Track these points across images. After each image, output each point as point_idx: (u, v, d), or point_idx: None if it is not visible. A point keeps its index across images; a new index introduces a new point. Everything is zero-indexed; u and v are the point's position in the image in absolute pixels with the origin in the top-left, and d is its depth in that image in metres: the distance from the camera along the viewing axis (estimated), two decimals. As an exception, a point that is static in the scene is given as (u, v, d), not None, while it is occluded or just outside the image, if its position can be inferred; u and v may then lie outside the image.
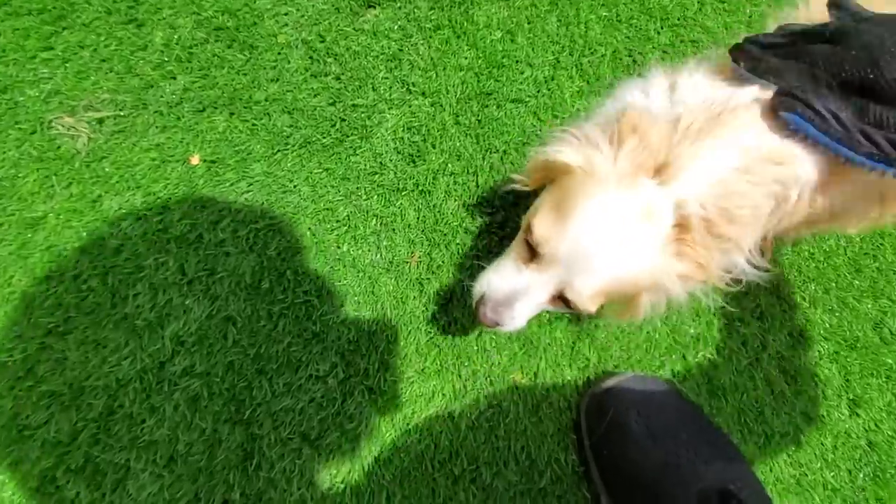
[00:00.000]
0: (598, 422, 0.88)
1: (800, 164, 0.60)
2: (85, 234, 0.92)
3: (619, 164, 0.61)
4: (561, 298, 0.68)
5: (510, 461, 0.88)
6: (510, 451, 0.89)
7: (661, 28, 1.19)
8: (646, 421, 0.85)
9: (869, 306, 1.07)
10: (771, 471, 0.95)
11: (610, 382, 0.90)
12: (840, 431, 0.99)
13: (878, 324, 1.06)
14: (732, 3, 1.24)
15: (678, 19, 1.20)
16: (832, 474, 0.96)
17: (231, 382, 0.86)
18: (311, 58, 1.05)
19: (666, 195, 0.61)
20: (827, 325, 1.05)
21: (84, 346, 0.88)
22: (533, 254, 0.68)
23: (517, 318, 0.71)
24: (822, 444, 0.98)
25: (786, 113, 0.58)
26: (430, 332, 0.94)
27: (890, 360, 1.04)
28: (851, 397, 1.01)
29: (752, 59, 0.63)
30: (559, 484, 0.88)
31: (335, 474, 0.84)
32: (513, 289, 0.69)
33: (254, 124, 1.00)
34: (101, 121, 0.97)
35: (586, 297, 0.65)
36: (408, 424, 0.88)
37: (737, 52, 0.66)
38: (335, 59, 1.06)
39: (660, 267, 0.62)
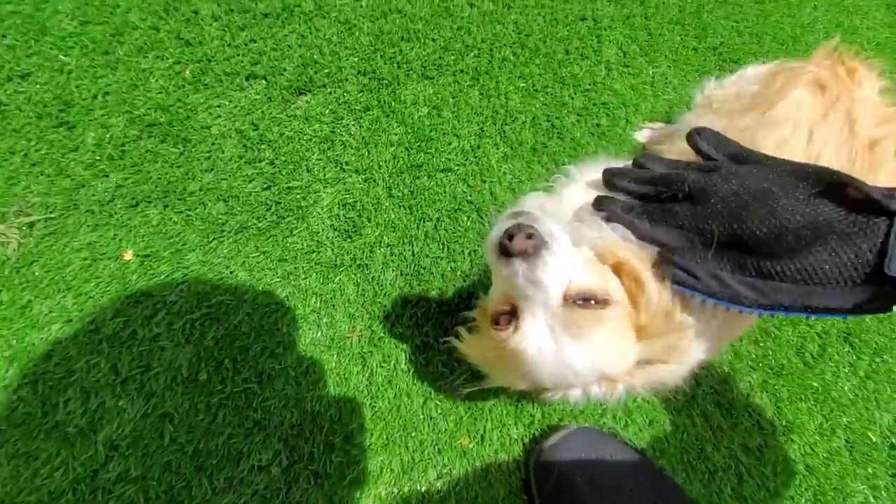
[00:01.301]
0: (545, 480, 0.89)
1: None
2: (14, 341, 0.90)
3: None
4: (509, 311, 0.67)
5: (464, 531, 0.88)
6: (463, 520, 0.89)
7: (574, 94, 1.30)
8: (590, 476, 0.86)
9: (789, 333, 1.15)
10: (718, 508, 0.98)
11: (553, 439, 0.92)
12: (778, 459, 1.03)
13: (800, 349, 1.14)
14: (636, 66, 1.38)
15: (589, 85, 1.32)
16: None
17: (168, 484, 0.84)
18: (244, 146, 1.09)
19: (626, 381, 0.68)
20: (753, 356, 1.11)
21: (15, 459, 0.84)
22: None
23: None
24: (762, 473, 1.02)
25: (673, 285, 0.60)
26: (375, 406, 0.95)
27: (815, 384, 1.11)
28: (784, 423, 1.07)
29: (625, 223, 0.65)
30: (514, 549, 0.88)
31: (283, 570, 0.82)
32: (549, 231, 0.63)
33: (188, 215, 1.02)
34: (31, 224, 0.97)
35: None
36: (356, 506, 0.87)
37: (603, 210, 0.66)
38: (269, 145, 1.11)
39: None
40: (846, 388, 1.11)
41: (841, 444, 1.07)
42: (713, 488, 0.99)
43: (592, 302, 0.63)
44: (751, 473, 1.01)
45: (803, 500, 1.01)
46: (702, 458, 1.01)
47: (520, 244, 0.61)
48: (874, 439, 1.09)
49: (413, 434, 0.94)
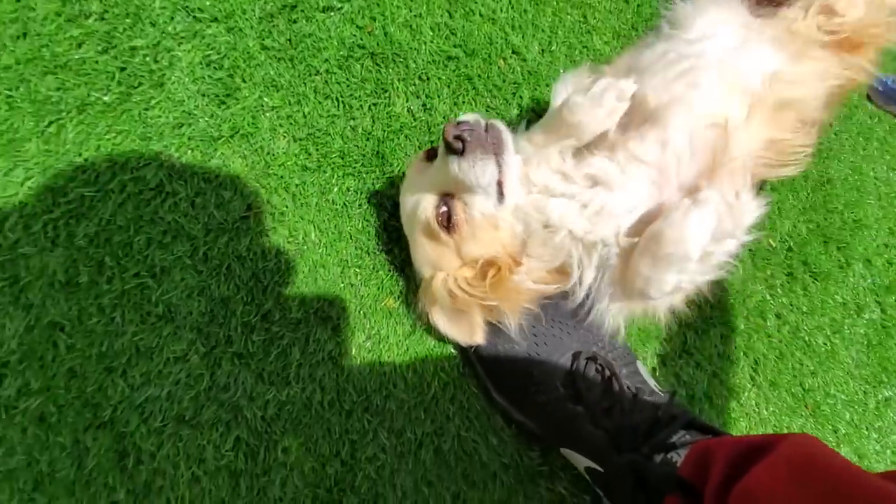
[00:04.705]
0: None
1: None
2: None
3: None
4: None
5: (398, 382, 0.91)
6: (396, 372, 0.92)
7: None
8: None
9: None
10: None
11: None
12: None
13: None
14: None
15: None
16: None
17: (78, 389, 0.79)
18: (59, -2, 0.85)
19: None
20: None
21: None
22: None
23: None
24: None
25: None
26: (291, 282, 0.90)
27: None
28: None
29: None
30: (448, 389, 0.93)
31: (223, 445, 0.83)
32: None
33: (9, 97, 0.82)
34: None
35: None
36: (287, 377, 0.87)
37: None
38: (91, -7, 0.87)
39: None
40: (754, 201, 1.16)
41: (744, 252, 1.14)
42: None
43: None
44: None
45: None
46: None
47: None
48: (774, 245, 1.17)
49: (336, 302, 0.91)
